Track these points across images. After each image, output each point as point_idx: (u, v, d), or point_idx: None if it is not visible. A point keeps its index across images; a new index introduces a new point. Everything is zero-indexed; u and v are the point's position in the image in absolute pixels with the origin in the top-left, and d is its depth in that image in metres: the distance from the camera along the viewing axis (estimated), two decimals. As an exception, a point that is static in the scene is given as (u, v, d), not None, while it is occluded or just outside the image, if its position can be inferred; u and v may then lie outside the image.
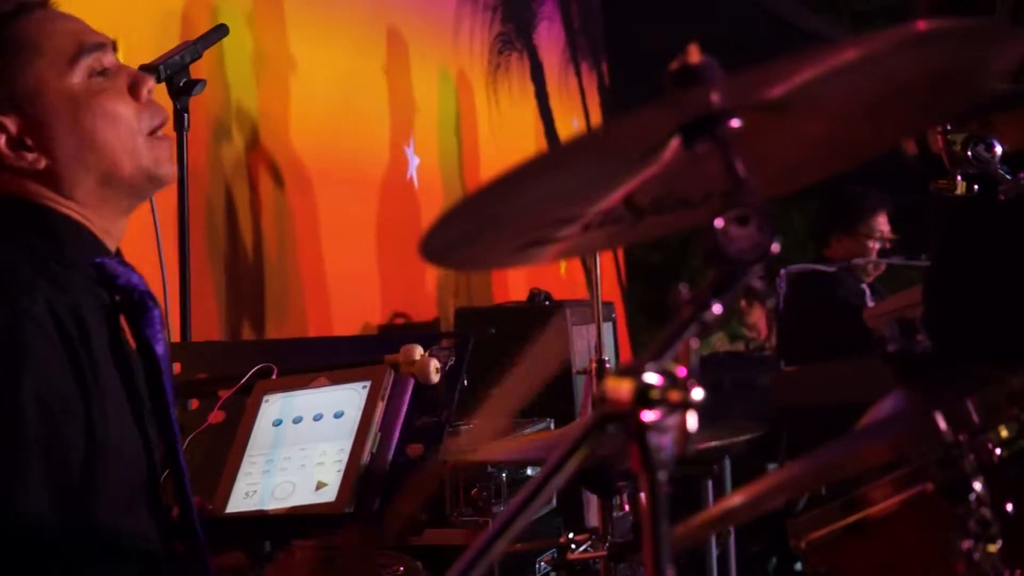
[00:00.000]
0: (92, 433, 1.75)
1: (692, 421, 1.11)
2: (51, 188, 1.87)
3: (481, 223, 1.29)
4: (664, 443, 1.10)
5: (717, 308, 1.16)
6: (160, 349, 1.90)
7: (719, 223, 1.17)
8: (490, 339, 4.69)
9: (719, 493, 4.31)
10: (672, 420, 1.10)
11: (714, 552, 4.55)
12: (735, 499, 1.53)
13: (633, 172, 1.28)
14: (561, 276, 6.97)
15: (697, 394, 1.10)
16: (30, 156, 1.86)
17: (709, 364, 6.58)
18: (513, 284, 6.32)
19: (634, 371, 1.10)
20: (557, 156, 1.27)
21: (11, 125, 1.85)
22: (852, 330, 4.99)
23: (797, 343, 5.30)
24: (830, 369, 4.88)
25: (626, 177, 1.29)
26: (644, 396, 1.09)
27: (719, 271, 1.17)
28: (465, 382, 2.34)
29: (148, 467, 1.86)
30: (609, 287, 7.80)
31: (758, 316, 7.36)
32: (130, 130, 1.90)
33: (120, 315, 1.88)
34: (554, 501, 3.55)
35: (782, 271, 5.22)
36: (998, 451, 1.64)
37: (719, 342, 7.27)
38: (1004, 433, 1.68)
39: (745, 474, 2.34)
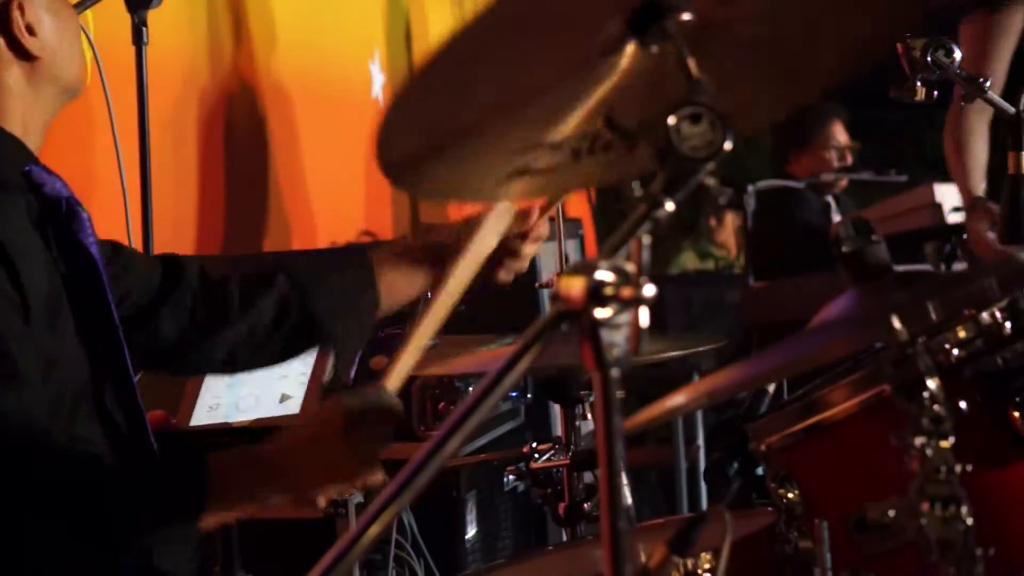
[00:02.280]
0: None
1: (644, 317, 1.11)
2: None
3: (440, 130, 1.28)
4: (617, 340, 1.11)
5: (669, 205, 1.16)
6: (95, 252, 1.86)
7: (671, 120, 1.17)
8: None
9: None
10: (625, 317, 1.11)
11: (683, 466, 4.59)
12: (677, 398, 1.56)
13: (593, 79, 1.26)
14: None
15: (649, 290, 1.10)
16: None
17: (679, 283, 6.59)
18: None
19: (587, 269, 1.11)
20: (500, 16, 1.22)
21: None
22: (820, 245, 5.00)
23: (765, 259, 5.31)
24: (798, 284, 4.91)
25: (588, 87, 1.27)
26: (597, 293, 1.10)
27: (671, 169, 1.17)
28: (429, 294, 2.34)
29: (90, 372, 1.82)
30: (578, 205, 7.78)
31: (728, 234, 7.37)
32: None
33: (49, 224, 1.84)
34: (522, 415, 3.57)
35: (750, 187, 5.21)
36: (956, 352, 1.66)
37: (689, 260, 7.29)
38: (962, 334, 1.69)
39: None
